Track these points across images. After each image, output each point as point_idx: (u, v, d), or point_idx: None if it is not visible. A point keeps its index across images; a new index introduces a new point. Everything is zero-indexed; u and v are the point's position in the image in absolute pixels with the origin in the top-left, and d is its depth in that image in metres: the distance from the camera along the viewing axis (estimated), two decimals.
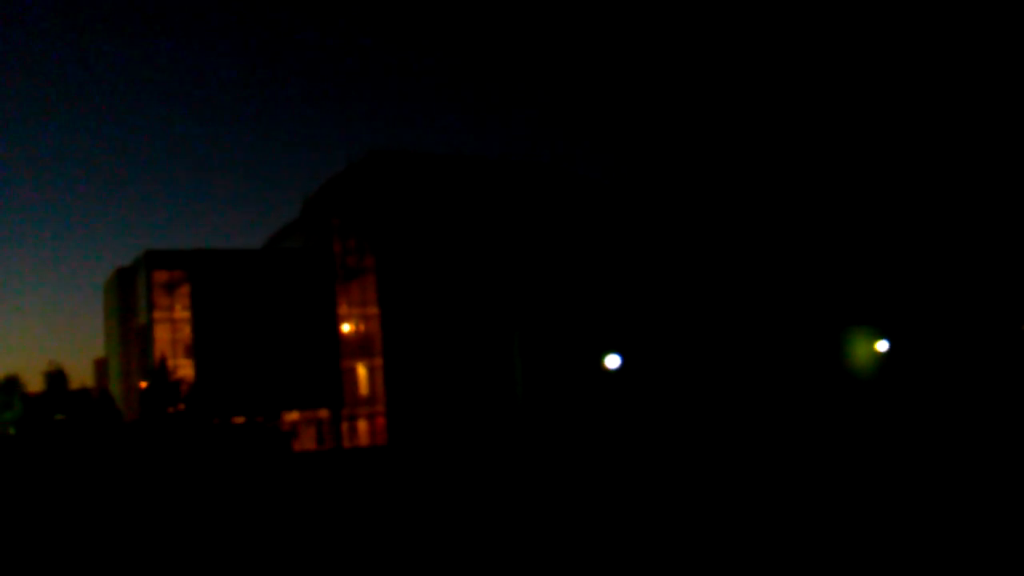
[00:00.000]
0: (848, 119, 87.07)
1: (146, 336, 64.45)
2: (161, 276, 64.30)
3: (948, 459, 30.19)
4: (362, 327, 68.47)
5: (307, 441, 64.67)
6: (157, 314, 63.81)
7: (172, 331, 64.18)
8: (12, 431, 53.79)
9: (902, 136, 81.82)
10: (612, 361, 53.72)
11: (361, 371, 68.24)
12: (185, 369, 62.11)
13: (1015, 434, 37.11)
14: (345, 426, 66.59)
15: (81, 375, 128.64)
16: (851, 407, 61.99)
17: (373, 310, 67.10)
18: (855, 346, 70.48)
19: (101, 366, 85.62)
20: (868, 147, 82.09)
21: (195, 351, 62.34)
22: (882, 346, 66.65)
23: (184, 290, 64.15)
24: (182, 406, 57.24)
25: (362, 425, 67.55)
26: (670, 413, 62.64)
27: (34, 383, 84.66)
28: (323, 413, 66.14)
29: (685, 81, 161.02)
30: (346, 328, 68.20)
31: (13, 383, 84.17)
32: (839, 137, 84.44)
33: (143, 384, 61.39)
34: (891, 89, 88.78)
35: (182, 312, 64.35)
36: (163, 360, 59.72)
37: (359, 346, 68.06)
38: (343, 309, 67.86)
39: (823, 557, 16.34)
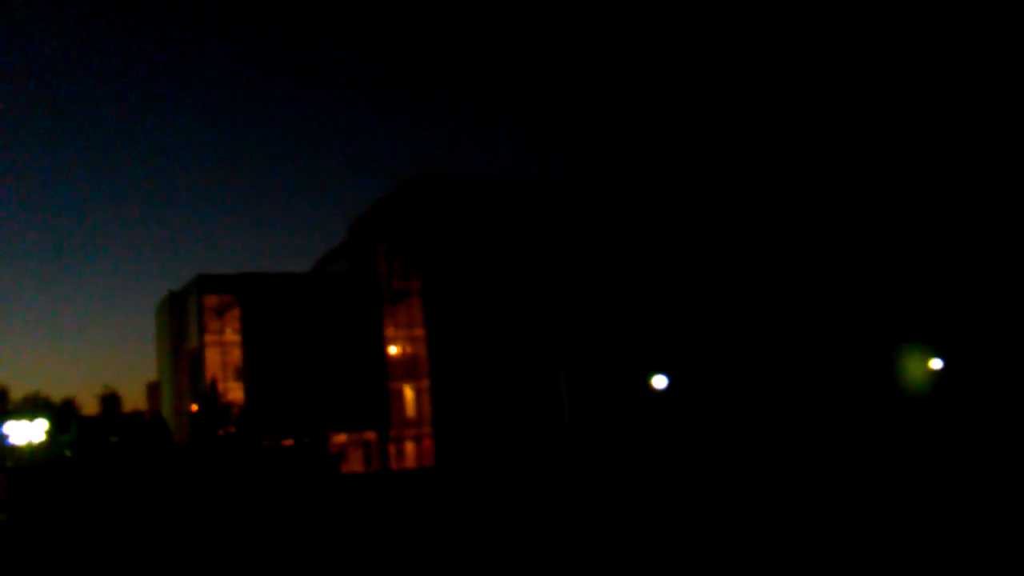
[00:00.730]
0: (904, 139, 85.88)
1: (197, 359, 65.32)
2: (211, 300, 65.18)
3: (1004, 479, 29.42)
4: (409, 349, 68.74)
5: (355, 463, 64.92)
6: (208, 337, 64.66)
7: (222, 354, 64.98)
8: (68, 453, 54.79)
9: (956, 155, 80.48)
10: (659, 382, 53.31)
11: (408, 393, 68.43)
12: (235, 392, 62.82)
13: None
14: (392, 448, 66.76)
15: (134, 398, 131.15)
16: (905, 427, 60.71)
17: (420, 332, 67.34)
18: (909, 364, 69.11)
19: (154, 389, 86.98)
20: (921, 166, 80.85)
21: (245, 374, 63.04)
22: (936, 364, 65.28)
23: (234, 314, 64.96)
24: (232, 428, 57.79)
25: (409, 447, 67.69)
26: (719, 434, 61.86)
27: (89, 406, 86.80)
28: (371, 435, 66.37)
29: (731, 102, 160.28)
30: (393, 350, 68.49)
31: (69, 406, 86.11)
32: (893, 157, 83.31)
33: (194, 407, 62.14)
34: (958, 106, 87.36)
35: (232, 335, 65.15)
36: (213, 383, 60.43)
37: (406, 368, 68.29)
38: (390, 331, 68.18)
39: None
